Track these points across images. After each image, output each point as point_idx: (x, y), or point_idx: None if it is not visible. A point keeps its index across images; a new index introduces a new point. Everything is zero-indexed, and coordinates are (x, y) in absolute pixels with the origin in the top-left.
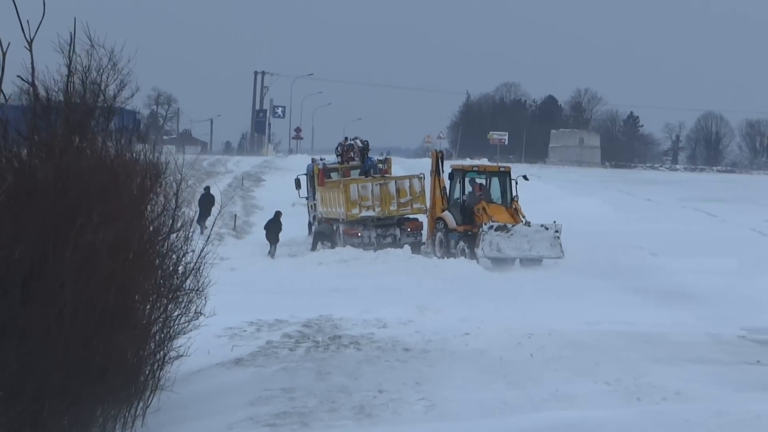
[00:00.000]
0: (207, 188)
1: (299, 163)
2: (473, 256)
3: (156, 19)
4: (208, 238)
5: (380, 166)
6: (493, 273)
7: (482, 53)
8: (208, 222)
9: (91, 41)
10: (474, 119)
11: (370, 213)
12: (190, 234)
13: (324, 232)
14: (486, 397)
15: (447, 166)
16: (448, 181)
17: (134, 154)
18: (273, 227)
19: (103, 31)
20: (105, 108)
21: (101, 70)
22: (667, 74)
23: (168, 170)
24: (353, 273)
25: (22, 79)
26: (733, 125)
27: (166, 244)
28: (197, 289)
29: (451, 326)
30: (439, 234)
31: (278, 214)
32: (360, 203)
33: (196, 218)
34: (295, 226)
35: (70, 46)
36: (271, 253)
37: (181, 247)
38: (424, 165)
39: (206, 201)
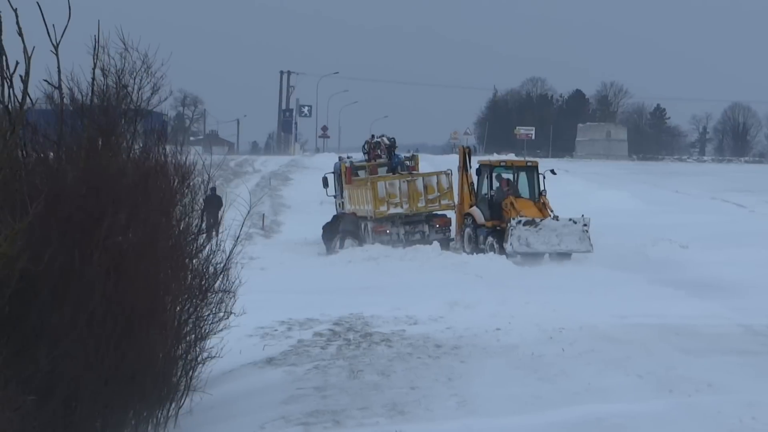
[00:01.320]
0: (213, 189)
1: (326, 162)
2: (502, 251)
3: (181, 21)
4: (237, 237)
5: (407, 163)
6: (522, 268)
7: (508, 48)
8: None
9: (124, 44)
10: (500, 115)
11: (398, 210)
12: (220, 234)
13: (351, 230)
14: (518, 392)
15: (474, 162)
16: (476, 177)
17: (162, 156)
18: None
19: (132, 34)
20: (134, 110)
21: (134, 73)
22: (693, 66)
23: (195, 171)
24: (382, 270)
25: (49, 82)
26: (760, 116)
27: (195, 244)
28: (227, 290)
29: (482, 322)
30: (467, 230)
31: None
32: (388, 200)
33: (203, 224)
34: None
35: (95, 48)
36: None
37: (210, 247)
38: (452, 161)
39: (212, 204)
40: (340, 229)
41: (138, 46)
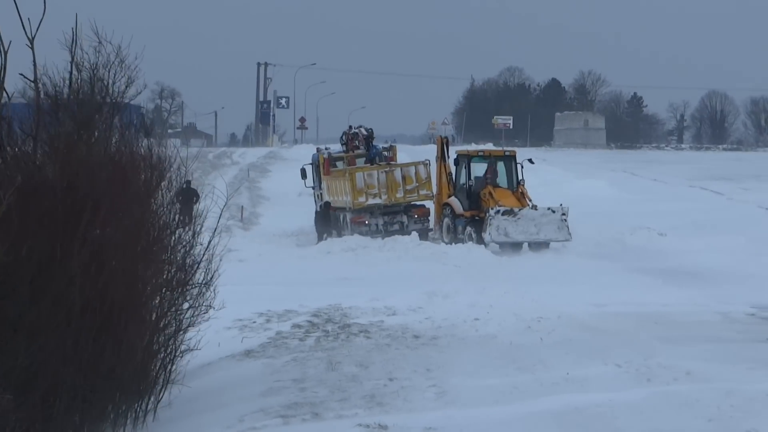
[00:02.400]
0: (188, 182)
1: (304, 153)
2: (481, 241)
3: (157, 13)
4: (215, 229)
5: (386, 153)
6: (501, 257)
7: (485, 38)
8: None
9: (98, 38)
10: (478, 104)
11: (377, 201)
12: (199, 227)
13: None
14: (497, 383)
15: (452, 152)
16: (454, 167)
17: (140, 149)
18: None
19: (106, 27)
20: (110, 104)
21: (109, 67)
22: (669, 54)
23: (174, 164)
24: (361, 261)
25: (24, 77)
26: (737, 103)
27: (173, 237)
28: (206, 282)
29: (461, 312)
30: (446, 220)
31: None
32: (366, 191)
33: (177, 217)
34: (303, 216)
35: (73, 42)
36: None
37: (189, 240)
38: (430, 151)
39: (186, 197)
40: (316, 225)
41: (112, 39)
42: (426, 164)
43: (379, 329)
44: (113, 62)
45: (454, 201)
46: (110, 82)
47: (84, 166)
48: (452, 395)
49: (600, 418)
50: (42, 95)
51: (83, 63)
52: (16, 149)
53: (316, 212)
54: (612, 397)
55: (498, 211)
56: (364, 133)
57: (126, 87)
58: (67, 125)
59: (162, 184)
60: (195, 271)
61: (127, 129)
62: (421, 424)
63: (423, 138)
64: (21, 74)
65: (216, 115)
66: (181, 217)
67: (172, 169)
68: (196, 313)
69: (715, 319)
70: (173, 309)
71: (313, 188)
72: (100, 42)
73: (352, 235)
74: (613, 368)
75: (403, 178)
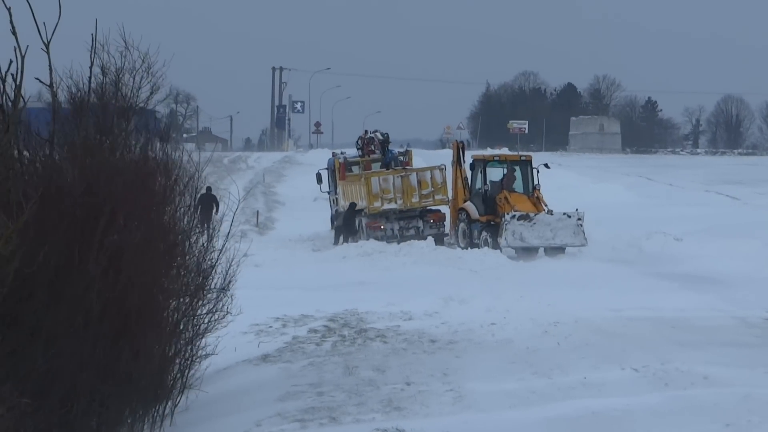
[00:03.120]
0: (208, 188)
1: (320, 158)
2: (496, 245)
3: (173, 17)
4: (229, 233)
5: (401, 158)
6: (517, 262)
7: (500, 43)
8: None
9: (125, 43)
10: (493, 109)
11: (393, 206)
12: (215, 232)
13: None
14: (514, 387)
15: (468, 157)
16: (470, 172)
17: (158, 154)
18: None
19: (128, 31)
20: (130, 108)
21: (134, 72)
22: (685, 58)
23: (191, 169)
24: (377, 266)
25: (41, 81)
26: (753, 107)
27: (189, 242)
28: (223, 287)
29: (477, 317)
30: (462, 225)
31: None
32: (382, 196)
33: (196, 222)
34: (318, 221)
35: (92, 47)
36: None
37: (205, 245)
38: (445, 156)
39: (206, 202)
40: (335, 226)
41: (139, 45)
42: (442, 169)
43: (396, 334)
44: (139, 68)
45: (469, 206)
46: (136, 87)
47: (103, 171)
48: (469, 400)
49: (617, 423)
50: (66, 99)
51: (109, 67)
52: (35, 154)
53: (332, 216)
54: (629, 402)
55: (514, 216)
56: (380, 137)
57: (151, 93)
58: (89, 130)
59: (179, 188)
60: (211, 276)
61: (146, 134)
62: (439, 428)
63: (436, 143)
64: (37, 78)
65: (231, 119)
66: (200, 223)
67: (189, 175)
68: (213, 318)
69: (732, 324)
70: (190, 314)
71: (329, 193)
72: (126, 47)
73: (368, 240)
74: (631, 373)
75: (419, 182)
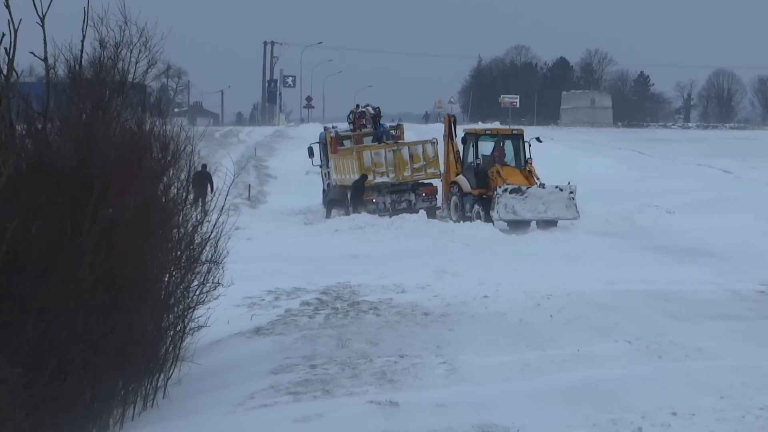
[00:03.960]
0: (204, 165)
1: (311, 132)
2: (489, 219)
3: None
4: (223, 207)
5: (393, 132)
6: (509, 235)
7: (492, 17)
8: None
9: (124, 17)
10: (485, 83)
11: (385, 179)
12: (209, 206)
13: (338, 200)
14: (507, 360)
15: (460, 131)
16: (462, 146)
17: (151, 128)
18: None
19: (127, 5)
20: (126, 82)
21: (131, 47)
22: (676, 32)
23: (183, 143)
24: (369, 239)
25: (35, 55)
26: (744, 82)
27: (182, 215)
28: (215, 260)
29: (470, 289)
30: (454, 198)
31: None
32: (374, 170)
33: (190, 197)
34: (310, 195)
35: (84, 20)
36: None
37: (198, 218)
38: (436, 130)
39: (201, 179)
40: (327, 199)
41: (137, 20)
42: (434, 143)
43: (389, 306)
44: (137, 43)
45: (461, 179)
46: (132, 62)
47: (98, 145)
48: (463, 372)
49: (611, 395)
50: (63, 73)
51: (107, 41)
52: (29, 126)
53: (324, 190)
54: (623, 374)
55: (506, 190)
56: (372, 111)
57: (148, 68)
58: (85, 104)
59: (174, 163)
60: (204, 250)
61: (139, 108)
62: (432, 400)
63: (429, 117)
64: (31, 52)
65: (222, 94)
66: (195, 200)
67: (184, 150)
68: (206, 290)
69: (725, 297)
70: (183, 287)
71: (321, 167)
72: (126, 22)
73: (360, 213)
74: (624, 345)
75: (411, 156)
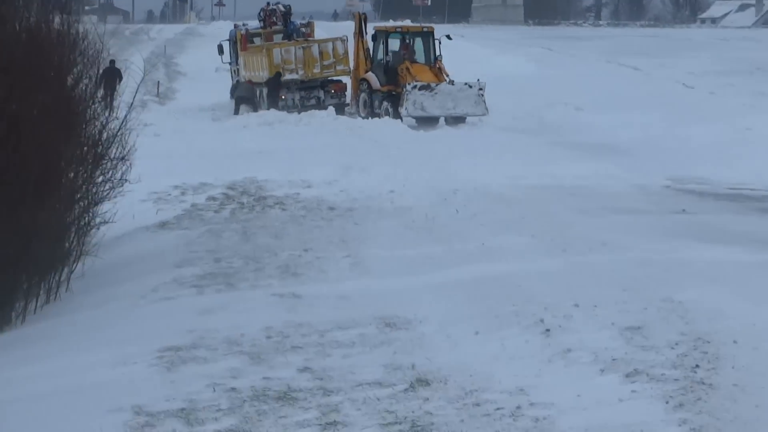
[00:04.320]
0: (112, 61)
1: (222, 30)
2: (397, 115)
3: None
4: (131, 104)
5: (303, 30)
6: (417, 132)
7: None
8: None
9: None
10: None
11: (294, 76)
12: (117, 103)
13: (246, 96)
14: (412, 254)
15: (370, 28)
16: (371, 43)
17: (57, 25)
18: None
19: None
20: None
21: None
22: None
23: (90, 40)
24: (278, 135)
25: None
26: None
27: (89, 112)
28: (122, 156)
29: (377, 185)
30: (363, 95)
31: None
32: (283, 67)
33: (99, 93)
34: (219, 92)
35: None
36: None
37: (105, 114)
38: (347, 28)
39: (110, 75)
40: (236, 96)
41: None
42: (343, 40)
43: (295, 201)
44: None
45: (371, 76)
46: None
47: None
48: (367, 265)
49: (514, 288)
50: None
51: None
52: None
53: (233, 87)
54: (526, 267)
55: (415, 86)
56: (282, 9)
57: None
58: None
59: (81, 60)
60: (111, 146)
61: (44, 4)
62: (335, 293)
63: (341, 15)
64: None
65: None
66: (104, 96)
67: (91, 47)
68: (111, 186)
69: (631, 191)
70: (88, 182)
71: (230, 64)
72: None
73: (269, 110)
74: (528, 239)
75: (321, 53)
